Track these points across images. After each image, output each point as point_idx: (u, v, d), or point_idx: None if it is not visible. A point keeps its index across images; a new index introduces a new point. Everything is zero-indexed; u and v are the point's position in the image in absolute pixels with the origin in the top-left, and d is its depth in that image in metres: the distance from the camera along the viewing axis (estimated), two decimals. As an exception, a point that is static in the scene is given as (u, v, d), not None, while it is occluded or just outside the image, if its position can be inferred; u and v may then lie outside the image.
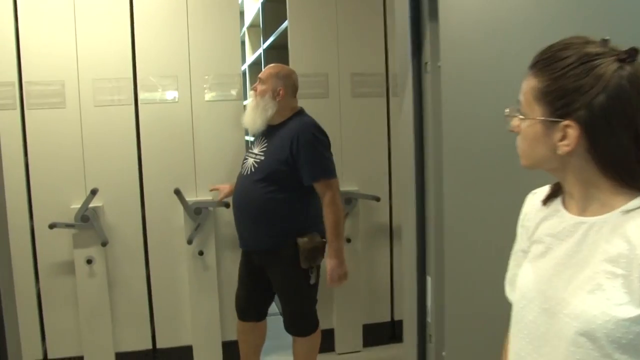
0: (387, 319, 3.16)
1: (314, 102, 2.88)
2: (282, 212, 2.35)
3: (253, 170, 2.40)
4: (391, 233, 3.12)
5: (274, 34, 3.36)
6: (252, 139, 2.61)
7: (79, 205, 2.73)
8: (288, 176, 2.33)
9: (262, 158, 2.39)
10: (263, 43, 3.71)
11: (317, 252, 2.36)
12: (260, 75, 2.47)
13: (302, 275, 2.36)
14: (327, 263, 2.36)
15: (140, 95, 2.83)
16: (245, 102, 2.92)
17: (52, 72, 2.71)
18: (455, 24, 1.04)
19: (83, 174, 2.79)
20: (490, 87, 0.97)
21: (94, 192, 2.72)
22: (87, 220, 2.75)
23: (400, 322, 3.14)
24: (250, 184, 2.39)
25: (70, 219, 2.72)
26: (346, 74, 2.98)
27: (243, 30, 4.56)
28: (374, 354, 3.05)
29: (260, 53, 3.81)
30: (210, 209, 2.87)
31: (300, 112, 2.46)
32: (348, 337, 3.03)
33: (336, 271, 2.37)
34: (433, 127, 1.18)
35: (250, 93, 2.49)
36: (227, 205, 2.78)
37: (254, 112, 2.42)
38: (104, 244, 2.74)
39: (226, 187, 2.74)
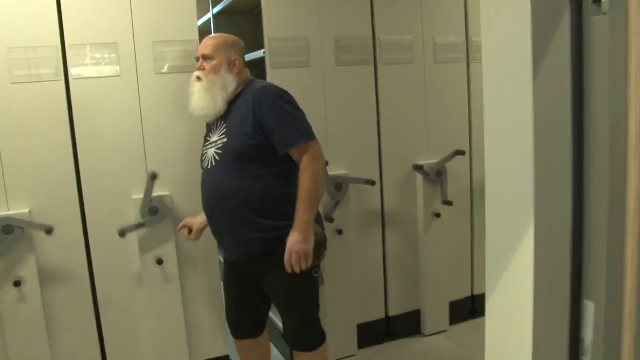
0: (382, 316, 2.83)
1: (295, 72, 2.42)
2: (264, 197, 1.88)
3: (217, 158, 1.93)
4: (383, 220, 2.76)
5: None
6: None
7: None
8: (261, 150, 1.87)
9: (225, 140, 1.93)
10: (213, 8, 3.16)
11: (321, 246, 1.93)
12: (204, 52, 1.98)
13: (305, 276, 1.91)
14: (289, 239, 1.86)
15: (72, 69, 2.20)
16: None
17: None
18: None
19: (0, 171, 2.14)
20: None
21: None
22: (11, 232, 2.14)
23: (395, 318, 2.83)
24: (217, 177, 1.92)
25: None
26: (329, 39, 2.53)
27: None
28: (370, 356, 2.72)
29: (210, 19, 3.25)
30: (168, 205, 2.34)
31: (253, 80, 2.04)
32: (342, 340, 2.66)
33: (297, 247, 1.83)
34: (611, 93, 0.82)
35: (195, 75, 2.00)
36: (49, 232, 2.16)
37: (210, 94, 1.95)
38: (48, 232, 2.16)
39: (197, 221, 2.17)
